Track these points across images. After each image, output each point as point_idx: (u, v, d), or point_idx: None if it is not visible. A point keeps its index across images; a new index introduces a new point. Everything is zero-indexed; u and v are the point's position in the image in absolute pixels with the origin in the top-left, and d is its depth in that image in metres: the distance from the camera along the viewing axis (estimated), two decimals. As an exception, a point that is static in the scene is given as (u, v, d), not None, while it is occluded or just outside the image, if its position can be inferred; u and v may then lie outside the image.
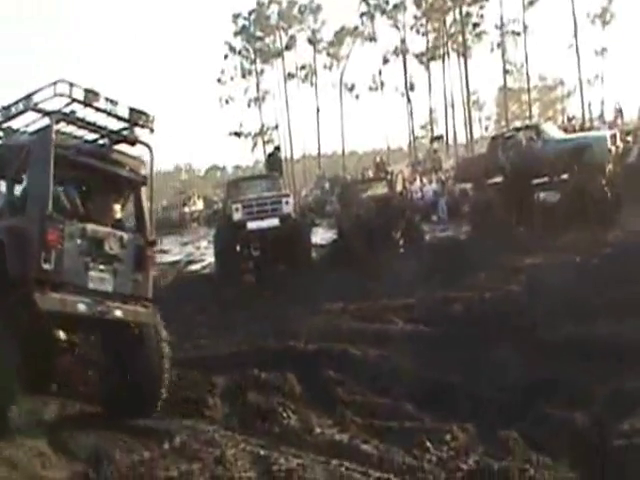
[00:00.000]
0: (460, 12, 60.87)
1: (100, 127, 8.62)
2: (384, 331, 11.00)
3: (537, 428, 6.83)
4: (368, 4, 64.12)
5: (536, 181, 20.45)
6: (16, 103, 8.30)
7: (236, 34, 69.32)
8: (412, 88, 64.05)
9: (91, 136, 8.74)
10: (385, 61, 64.87)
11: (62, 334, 8.76)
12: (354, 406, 7.98)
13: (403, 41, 63.95)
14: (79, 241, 8.09)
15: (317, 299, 14.29)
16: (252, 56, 69.72)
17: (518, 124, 55.65)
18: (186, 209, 53.23)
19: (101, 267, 8.30)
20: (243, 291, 17.45)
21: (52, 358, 9.08)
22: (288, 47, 68.76)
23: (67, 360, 9.34)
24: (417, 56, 64.21)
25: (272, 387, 8.98)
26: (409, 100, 63.78)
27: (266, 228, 19.58)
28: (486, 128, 79.15)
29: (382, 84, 66.06)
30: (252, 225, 19.58)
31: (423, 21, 63.58)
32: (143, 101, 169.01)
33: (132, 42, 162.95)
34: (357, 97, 68.38)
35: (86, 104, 8.09)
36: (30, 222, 7.84)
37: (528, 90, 64.13)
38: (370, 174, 39.20)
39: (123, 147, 9.02)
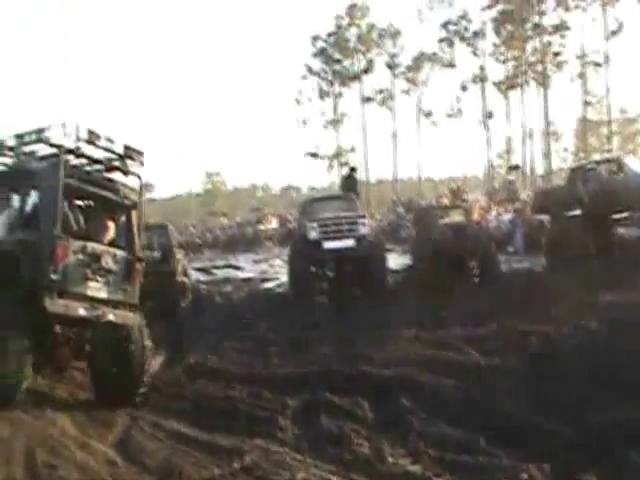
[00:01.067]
0: (540, 41, 60.10)
1: (99, 160, 10.58)
2: (458, 361, 10.82)
3: (617, 474, 6.58)
4: (447, 30, 63.96)
5: (616, 216, 20.04)
6: (29, 134, 10.20)
7: (315, 56, 69.80)
8: (490, 116, 63.59)
9: (91, 167, 10.65)
10: (463, 88, 64.54)
11: (59, 329, 10.17)
12: (427, 437, 7.81)
13: (482, 68, 63.56)
14: (81, 256, 9.89)
15: (390, 324, 14.19)
16: (330, 78, 70.07)
17: (597, 157, 54.96)
18: (261, 227, 53.45)
19: (98, 278, 10.16)
20: (316, 312, 17.29)
21: (51, 349, 10.32)
22: (366, 70, 68.91)
23: (63, 351, 10.57)
24: (496, 84, 63.72)
25: (344, 412, 8.89)
26: (487, 128, 63.28)
27: (342, 248, 19.33)
28: (564, 160, 78.13)
29: (460, 111, 65.72)
30: (328, 245, 19.34)
31: (503, 49, 63.07)
32: (221, 120, 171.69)
33: (213, 61, 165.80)
34: (434, 123, 68.12)
35: (89, 142, 10.02)
36: (41, 238, 9.57)
37: (609, 122, 62.88)
38: (446, 201, 38.93)
39: (117, 176, 10.96)
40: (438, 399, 9.09)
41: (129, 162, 10.86)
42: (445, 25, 63.87)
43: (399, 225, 39.79)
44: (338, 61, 69.49)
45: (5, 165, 10.78)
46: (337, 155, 69.76)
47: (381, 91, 69.32)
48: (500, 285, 18.32)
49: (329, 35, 69.14)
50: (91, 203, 11.12)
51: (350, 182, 26.36)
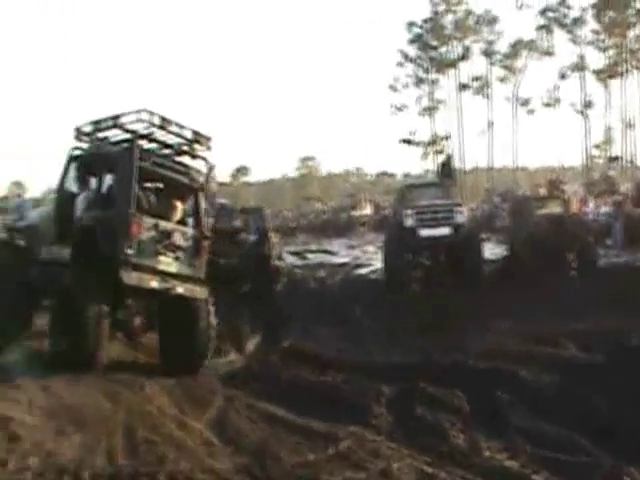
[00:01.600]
0: (643, 27, 58.27)
1: (169, 145, 11.56)
2: (556, 356, 10.62)
3: None
4: (546, 17, 62.51)
5: None
6: (105, 120, 11.19)
7: (410, 42, 69.28)
8: (589, 106, 62.10)
9: (162, 151, 11.60)
10: (562, 76, 63.09)
11: (132, 300, 11.42)
12: (524, 432, 7.66)
13: (581, 57, 62.00)
14: (153, 233, 10.76)
15: (486, 316, 14.02)
16: (426, 65, 69.50)
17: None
18: (355, 213, 53.41)
19: (168, 253, 10.98)
20: (411, 299, 17.20)
21: (125, 318, 11.55)
22: (463, 57, 68.17)
23: (135, 321, 11.93)
24: (595, 72, 62.13)
25: (439, 402, 8.77)
26: (586, 118, 61.75)
27: (438, 236, 19.21)
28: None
29: (558, 100, 64.30)
30: (424, 232, 19.23)
31: (603, 36, 61.41)
32: (317, 105, 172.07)
33: (311, 47, 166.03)
34: (531, 112, 66.86)
35: (161, 127, 10.97)
36: (117, 216, 10.43)
37: None
38: (542, 191, 38.18)
39: (186, 160, 11.89)
40: (535, 394, 8.92)
41: (197, 147, 11.74)
42: (544, 12, 62.50)
43: (494, 214, 39.26)
44: (434, 48, 68.91)
45: (82, 149, 11.70)
46: (432, 142, 69.24)
47: (477, 78, 68.39)
48: (599, 279, 17.90)
49: (425, 21, 68.65)
50: (162, 185, 11.97)
51: (446, 169, 26.25)
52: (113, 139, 11.44)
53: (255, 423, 8.53)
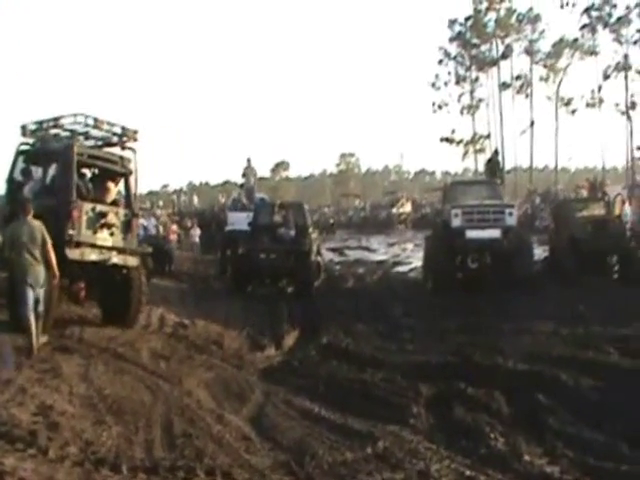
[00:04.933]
0: (692, 27, 57.03)
1: (101, 138, 14.38)
2: (598, 361, 10.45)
3: None
4: (590, 16, 61.51)
5: None
6: (47, 121, 13.70)
7: (452, 40, 68.72)
8: (633, 106, 61.07)
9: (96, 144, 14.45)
10: (606, 76, 62.13)
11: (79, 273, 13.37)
12: (565, 438, 7.55)
13: (626, 56, 61.01)
14: (91, 214, 13.13)
15: (526, 318, 13.86)
16: (467, 63, 68.92)
17: None
18: (394, 210, 53.32)
19: (104, 231, 13.35)
20: (453, 299, 16.90)
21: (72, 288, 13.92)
22: (504, 56, 67.27)
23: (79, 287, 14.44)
24: (640, 73, 61.10)
25: (479, 404, 8.70)
26: (629, 119, 60.82)
27: (486, 239, 18.45)
28: None
29: (601, 100, 63.40)
30: (471, 234, 18.47)
31: (648, 35, 60.32)
32: (357, 101, 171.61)
33: (350, 44, 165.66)
34: (573, 112, 66.02)
35: (95, 126, 13.59)
36: (60, 203, 12.68)
37: None
38: (584, 193, 37.79)
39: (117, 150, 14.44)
40: (576, 399, 8.78)
41: (125, 139, 14.32)
42: (587, 10, 61.45)
43: (535, 215, 39.01)
44: (475, 46, 68.17)
45: (29, 144, 14.13)
46: (472, 141, 68.63)
47: (519, 77, 67.66)
48: (641, 284, 17.66)
49: (467, 19, 67.82)
50: (96, 172, 14.29)
51: (493, 165, 25.29)
52: (55, 136, 14.07)
53: (293, 419, 8.51)
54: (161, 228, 31.27)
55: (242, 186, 32.03)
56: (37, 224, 11.21)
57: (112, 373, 10.25)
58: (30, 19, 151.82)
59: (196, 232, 32.64)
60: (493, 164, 25.39)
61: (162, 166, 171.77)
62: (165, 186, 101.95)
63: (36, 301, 10.99)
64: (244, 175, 31.60)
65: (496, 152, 26.64)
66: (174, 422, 8.10)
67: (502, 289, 17.51)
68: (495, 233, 18.46)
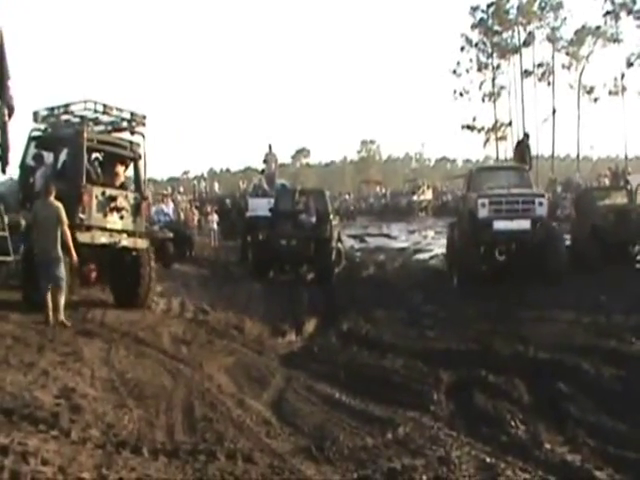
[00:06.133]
0: None
1: (111, 124, 14.67)
2: (620, 350, 10.37)
3: None
4: (613, 3, 60.82)
5: None
6: (58, 107, 14.02)
7: (473, 27, 68.26)
8: (657, 95, 60.49)
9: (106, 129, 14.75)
10: (629, 64, 61.54)
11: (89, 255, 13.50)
12: (586, 426, 7.49)
13: (650, 44, 60.37)
14: (101, 198, 13.54)
15: (548, 306, 13.80)
16: (489, 50, 68.48)
17: None
18: (415, 197, 53.30)
19: (114, 214, 13.76)
20: (473, 287, 16.76)
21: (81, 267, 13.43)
22: (526, 43, 66.74)
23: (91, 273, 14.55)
24: (664, 60, 60.54)
25: (499, 391, 8.66)
26: (652, 107, 60.27)
27: (516, 231, 17.49)
28: None
29: (624, 88, 62.83)
30: (499, 225, 17.46)
31: (673, 22, 59.70)
32: (378, 88, 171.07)
33: (372, 31, 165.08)
34: (595, 100, 65.50)
35: (104, 112, 13.88)
36: (72, 189, 12.98)
37: None
38: (606, 182, 37.54)
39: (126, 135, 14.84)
40: (598, 388, 8.71)
41: (134, 125, 14.63)
42: (611, -3, 60.87)
43: (556, 204, 38.73)
44: (497, 33, 67.72)
45: (41, 131, 14.51)
46: (494, 129, 68.29)
47: (541, 65, 67.18)
48: (664, 273, 17.57)
49: (488, 6, 67.30)
50: (106, 156, 14.60)
51: (522, 149, 23.26)
52: (66, 122, 14.35)
53: (314, 405, 8.53)
54: (182, 214, 31.40)
55: (263, 172, 32.05)
56: (57, 205, 11.77)
57: (133, 357, 10.33)
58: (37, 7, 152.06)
59: (214, 218, 32.69)
60: (523, 148, 23.34)
61: (183, 152, 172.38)
62: (186, 172, 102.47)
63: (54, 278, 11.70)
64: (265, 161, 31.61)
65: (527, 135, 24.37)
66: (195, 406, 8.14)
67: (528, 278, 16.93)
68: (525, 224, 17.53)
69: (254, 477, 5.98)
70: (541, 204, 17.80)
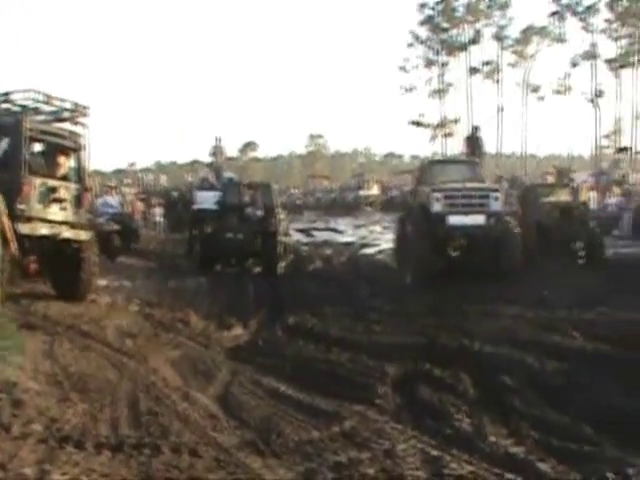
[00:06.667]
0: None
1: (53, 113, 14.35)
2: (564, 344, 10.53)
3: None
4: (559, 4, 61.99)
5: None
6: None
7: (421, 23, 69.09)
8: (600, 95, 61.68)
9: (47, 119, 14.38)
10: (573, 64, 62.65)
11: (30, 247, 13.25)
12: (530, 419, 7.56)
13: (594, 45, 61.54)
14: (42, 189, 13.21)
15: (492, 301, 13.93)
16: (436, 47, 69.30)
17: None
18: (362, 192, 53.59)
19: (55, 205, 13.47)
20: (419, 281, 16.81)
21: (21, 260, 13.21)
22: (473, 41, 68.04)
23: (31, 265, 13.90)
24: (608, 62, 61.72)
25: (444, 385, 8.71)
26: (596, 107, 61.36)
27: (470, 226, 17.13)
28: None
29: (568, 88, 63.88)
30: (454, 220, 17.04)
31: (616, 25, 60.94)
32: (327, 83, 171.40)
33: (321, 25, 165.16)
34: (541, 99, 66.57)
35: (46, 102, 13.70)
36: (12, 178, 12.72)
37: None
38: (551, 179, 38.10)
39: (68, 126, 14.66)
40: (541, 382, 8.82)
41: (76, 115, 14.50)
42: (556, -2, 61.89)
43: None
44: (445, 30, 68.67)
45: None
46: (441, 125, 68.98)
47: (488, 63, 68.14)
48: (606, 269, 17.87)
49: (437, 3, 68.20)
50: (48, 147, 14.27)
51: (474, 142, 23.08)
52: (6, 111, 13.98)
53: (260, 398, 8.48)
54: (128, 206, 31.15)
55: (210, 165, 31.97)
56: None
57: (77, 350, 10.21)
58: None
59: (158, 211, 32.44)
60: (474, 141, 23.23)
61: (130, 144, 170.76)
62: (132, 164, 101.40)
63: None
64: (213, 154, 31.52)
65: (476, 128, 24.40)
66: (140, 400, 8.04)
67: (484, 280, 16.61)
68: (479, 219, 17.24)
69: (199, 471, 5.94)
70: (496, 199, 17.52)
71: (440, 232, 17.11)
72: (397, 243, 20.14)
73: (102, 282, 16.59)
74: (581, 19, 61.24)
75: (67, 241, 13.85)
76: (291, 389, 8.82)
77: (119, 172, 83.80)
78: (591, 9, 60.72)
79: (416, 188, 19.66)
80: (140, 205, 34.23)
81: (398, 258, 19.77)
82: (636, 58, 60.43)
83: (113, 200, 27.72)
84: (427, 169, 19.92)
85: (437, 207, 17.18)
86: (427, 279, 16.45)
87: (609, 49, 63.22)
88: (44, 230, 13.28)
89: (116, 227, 22.59)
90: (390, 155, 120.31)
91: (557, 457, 6.51)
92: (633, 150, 57.93)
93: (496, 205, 17.38)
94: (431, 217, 17.20)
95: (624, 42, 61.33)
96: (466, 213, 17.15)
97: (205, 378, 9.35)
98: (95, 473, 5.74)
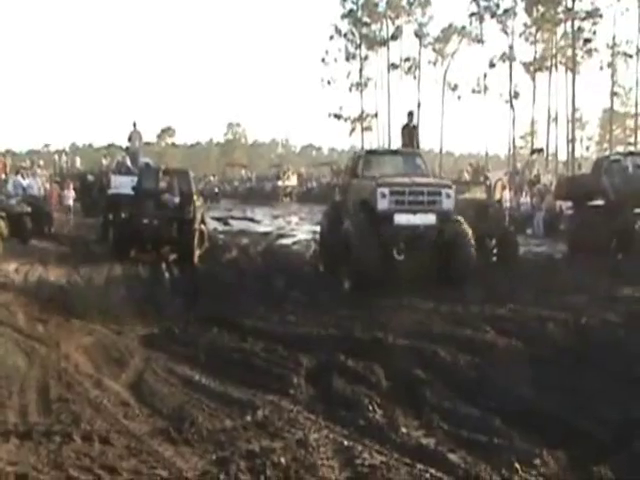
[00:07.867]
0: (572, 25, 58.97)
1: None
2: (476, 339, 10.69)
3: (633, 468, 6.46)
4: (478, 5, 63.01)
5: (638, 210, 19.78)
6: None
7: (343, 17, 69.41)
8: (516, 96, 62.83)
9: None
10: (491, 65, 63.75)
11: None
12: (441, 411, 7.70)
13: (511, 47, 62.73)
14: None
15: (406, 295, 14.01)
16: (357, 41, 69.72)
17: (621, 149, 54.34)
18: (279, 183, 53.68)
19: None
20: (335, 274, 16.60)
21: None
22: (394, 37, 68.56)
23: None
24: (524, 64, 63.02)
25: (358, 377, 8.78)
26: (512, 108, 62.57)
27: (420, 226, 15.35)
28: (587, 148, 77.87)
29: (486, 88, 65.05)
30: (401, 219, 15.22)
31: (533, 30, 62.24)
32: (247, 72, 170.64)
33: (242, 14, 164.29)
34: (459, 98, 67.64)
35: None
36: None
37: (635, 115, 62.06)
38: (466, 176, 38.69)
39: None
40: (453, 375, 8.97)
41: None
42: (476, -1, 62.90)
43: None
44: (366, 24, 69.02)
45: None
46: (360, 119, 69.44)
47: (407, 59, 68.88)
48: (518, 267, 18.25)
49: (360, -3, 68.49)
50: None
51: (410, 131, 20.90)
52: None
53: (173, 386, 8.47)
54: (41, 189, 30.50)
55: (127, 150, 31.45)
56: None
57: (-15, 335, 9.99)
58: None
59: (70, 194, 31.82)
60: (411, 130, 20.97)
61: (45, 124, 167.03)
62: (47, 145, 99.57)
63: None
64: (129, 139, 31.02)
65: (411, 114, 21.58)
66: (50, 386, 7.97)
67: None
68: (429, 219, 15.45)
69: (110, 459, 5.89)
70: (448, 196, 15.69)
71: (386, 232, 15.23)
72: (323, 241, 18.72)
73: (12, 265, 16.23)
74: (499, 21, 62.31)
75: None
76: (205, 378, 8.83)
77: (33, 153, 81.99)
78: (509, 12, 61.77)
79: (349, 181, 17.86)
80: (55, 187, 33.58)
81: (325, 259, 18.31)
82: (551, 62, 61.72)
83: (25, 181, 27.07)
84: (362, 160, 17.71)
85: (383, 204, 15.25)
86: (372, 286, 14.61)
87: (526, 52, 64.64)
88: None
89: (28, 209, 22.10)
90: (309, 147, 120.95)
91: (467, 448, 6.66)
92: (547, 152, 59.18)
93: (448, 203, 15.60)
94: (376, 215, 15.37)
95: (540, 47, 62.68)
96: (414, 212, 15.37)
97: (118, 365, 9.29)
98: (1, 461, 5.64)
